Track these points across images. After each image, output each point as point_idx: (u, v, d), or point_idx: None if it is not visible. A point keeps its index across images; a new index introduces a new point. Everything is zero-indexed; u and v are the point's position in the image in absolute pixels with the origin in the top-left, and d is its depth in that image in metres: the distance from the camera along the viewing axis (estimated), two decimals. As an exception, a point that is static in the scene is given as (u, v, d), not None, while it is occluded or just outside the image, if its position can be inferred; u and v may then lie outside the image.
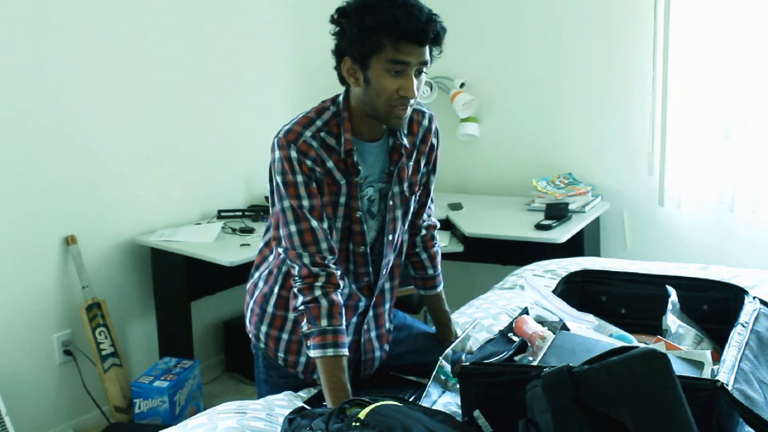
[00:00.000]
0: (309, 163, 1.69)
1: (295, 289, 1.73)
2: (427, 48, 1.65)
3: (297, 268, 1.72)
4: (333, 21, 1.68)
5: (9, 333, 2.90)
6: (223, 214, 3.54)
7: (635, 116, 3.78)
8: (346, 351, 1.69)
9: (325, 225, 1.73)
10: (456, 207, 3.76)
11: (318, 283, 1.70)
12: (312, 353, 1.69)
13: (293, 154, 1.69)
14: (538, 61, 3.97)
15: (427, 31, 1.61)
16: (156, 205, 3.37)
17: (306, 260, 1.71)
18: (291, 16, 3.87)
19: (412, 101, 1.68)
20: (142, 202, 3.31)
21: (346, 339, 1.71)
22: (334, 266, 1.73)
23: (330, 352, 1.67)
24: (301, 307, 1.71)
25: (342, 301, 1.73)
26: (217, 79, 3.57)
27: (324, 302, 1.69)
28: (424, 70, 1.68)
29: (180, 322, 3.31)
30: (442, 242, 3.19)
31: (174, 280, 3.28)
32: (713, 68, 3.52)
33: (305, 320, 1.71)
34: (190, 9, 3.42)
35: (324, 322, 1.68)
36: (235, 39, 3.63)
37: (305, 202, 1.71)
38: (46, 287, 3.01)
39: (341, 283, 1.75)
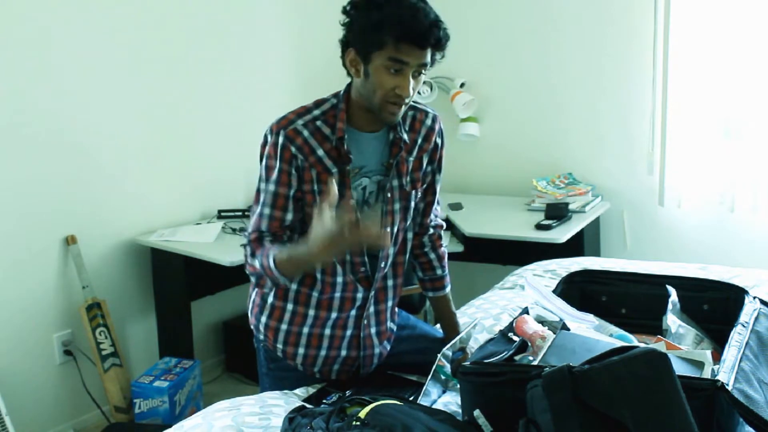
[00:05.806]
0: (293, 150, 1.74)
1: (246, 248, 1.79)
2: (428, 51, 1.67)
3: (248, 235, 1.80)
4: (344, 11, 1.72)
5: (9, 333, 2.90)
6: (223, 214, 3.54)
7: (635, 116, 3.78)
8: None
9: (289, 216, 1.78)
10: (456, 207, 3.76)
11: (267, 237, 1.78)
12: (268, 263, 1.70)
13: (280, 139, 1.74)
14: (538, 61, 3.97)
15: (429, 35, 1.63)
16: (156, 205, 3.37)
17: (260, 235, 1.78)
18: (292, 17, 3.87)
19: (407, 100, 1.71)
20: (142, 202, 3.31)
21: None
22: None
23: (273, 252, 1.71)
24: (247, 245, 1.79)
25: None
26: (218, 79, 3.57)
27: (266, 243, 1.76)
28: (423, 71, 1.71)
29: (180, 322, 3.31)
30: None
31: (174, 280, 3.28)
32: (713, 67, 3.52)
33: (249, 253, 1.77)
34: (190, 9, 3.42)
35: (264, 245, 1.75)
36: (235, 39, 3.63)
37: (279, 189, 1.76)
38: (46, 287, 3.01)
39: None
